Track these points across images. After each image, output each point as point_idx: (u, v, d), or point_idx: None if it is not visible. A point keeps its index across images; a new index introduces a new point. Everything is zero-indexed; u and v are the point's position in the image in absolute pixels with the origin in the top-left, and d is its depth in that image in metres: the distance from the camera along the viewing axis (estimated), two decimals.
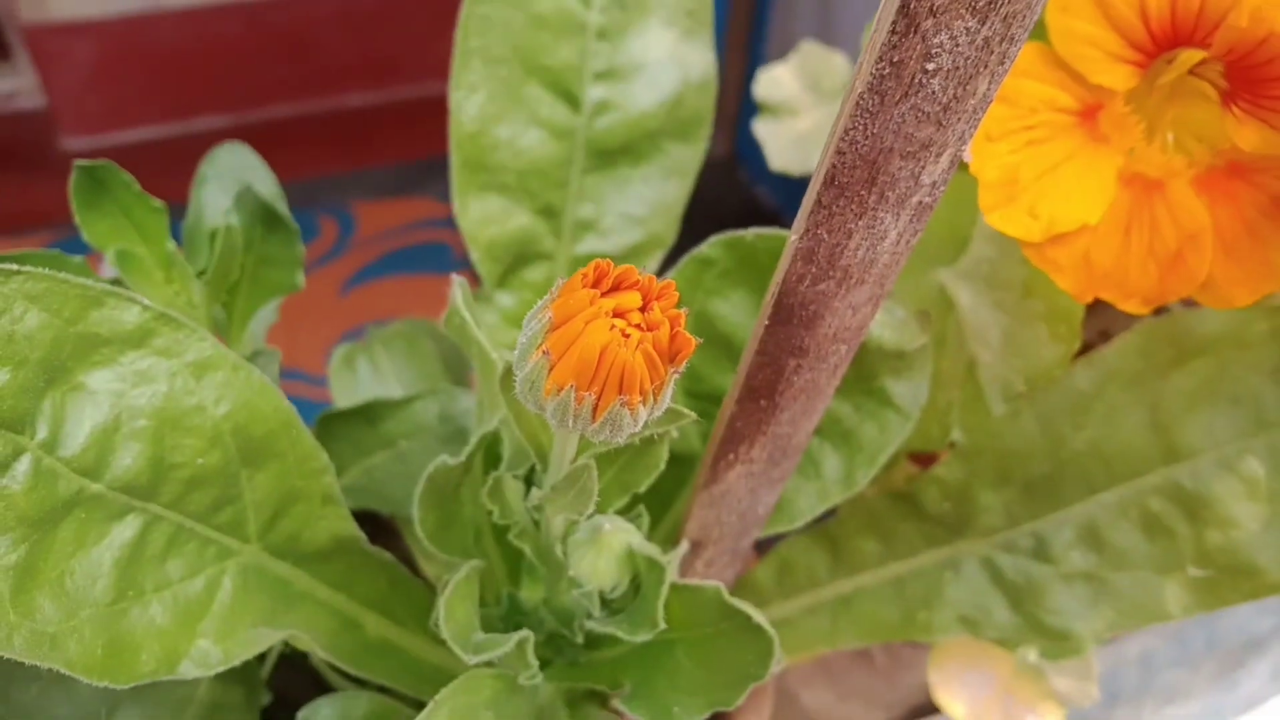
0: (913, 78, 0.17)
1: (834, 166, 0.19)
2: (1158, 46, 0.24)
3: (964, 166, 0.36)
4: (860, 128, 0.18)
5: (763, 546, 0.42)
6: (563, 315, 0.18)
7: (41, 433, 0.25)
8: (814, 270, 0.21)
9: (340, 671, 0.42)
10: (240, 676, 0.39)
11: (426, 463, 0.41)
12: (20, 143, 2.33)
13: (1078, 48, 0.24)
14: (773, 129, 0.51)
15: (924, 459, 0.42)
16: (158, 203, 0.37)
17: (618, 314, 0.18)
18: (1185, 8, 0.23)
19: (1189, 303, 0.32)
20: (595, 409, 0.18)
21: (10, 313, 0.23)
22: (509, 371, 0.22)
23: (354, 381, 0.44)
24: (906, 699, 0.69)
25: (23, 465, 0.25)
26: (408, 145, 2.19)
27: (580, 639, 0.30)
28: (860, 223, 0.20)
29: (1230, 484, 0.36)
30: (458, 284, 0.27)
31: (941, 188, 0.20)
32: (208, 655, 0.29)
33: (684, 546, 0.30)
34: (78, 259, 0.35)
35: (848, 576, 0.41)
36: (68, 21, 2.12)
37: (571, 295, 0.18)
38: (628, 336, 0.18)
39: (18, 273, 0.23)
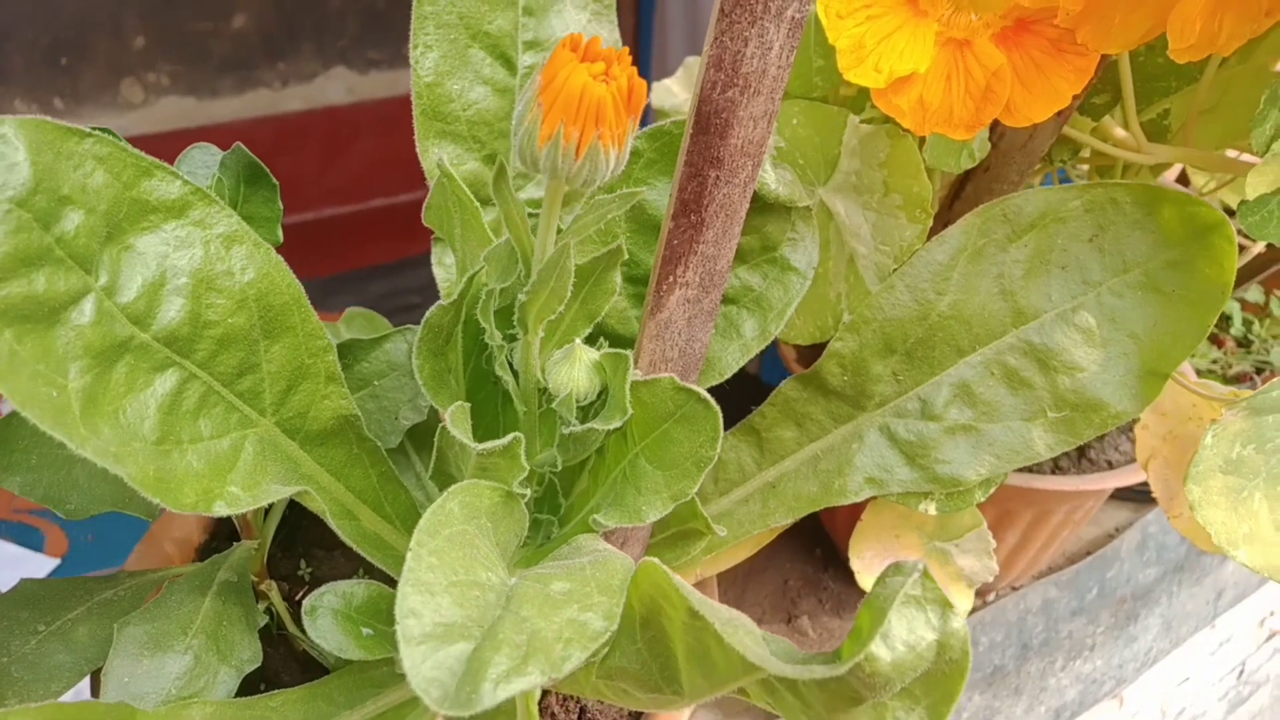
0: None
1: None
2: None
3: (821, 108, 0.45)
4: None
5: None
6: (550, 75, 0.25)
7: (103, 278, 0.30)
8: (722, 78, 0.29)
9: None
10: (238, 597, 0.43)
11: (401, 399, 0.47)
12: None
13: None
14: None
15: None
16: None
17: (591, 74, 0.25)
18: None
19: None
20: (579, 148, 0.25)
21: (83, 167, 0.29)
22: (501, 169, 0.28)
23: None
24: None
25: (88, 304, 0.29)
26: (309, 266, 2.24)
27: (559, 465, 0.35)
28: (753, 31, 0.28)
29: (1071, 335, 0.44)
30: (440, 159, 0.33)
31: (806, 6, 0.28)
32: (237, 498, 0.33)
33: (637, 374, 0.36)
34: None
35: (772, 465, 0.47)
36: None
37: (557, 57, 0.25)
38: (600, 82, 0.25)
39: (89, 135, 0.29)
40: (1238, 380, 0.87)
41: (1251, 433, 0.37)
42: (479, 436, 0.38)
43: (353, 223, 2.07)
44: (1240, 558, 0.36)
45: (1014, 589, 0.78)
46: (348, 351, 0.45)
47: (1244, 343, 0.88)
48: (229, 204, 0.43)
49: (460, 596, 0.28)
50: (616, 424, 0.32)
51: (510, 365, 0.35)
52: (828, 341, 0.44)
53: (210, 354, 0.33)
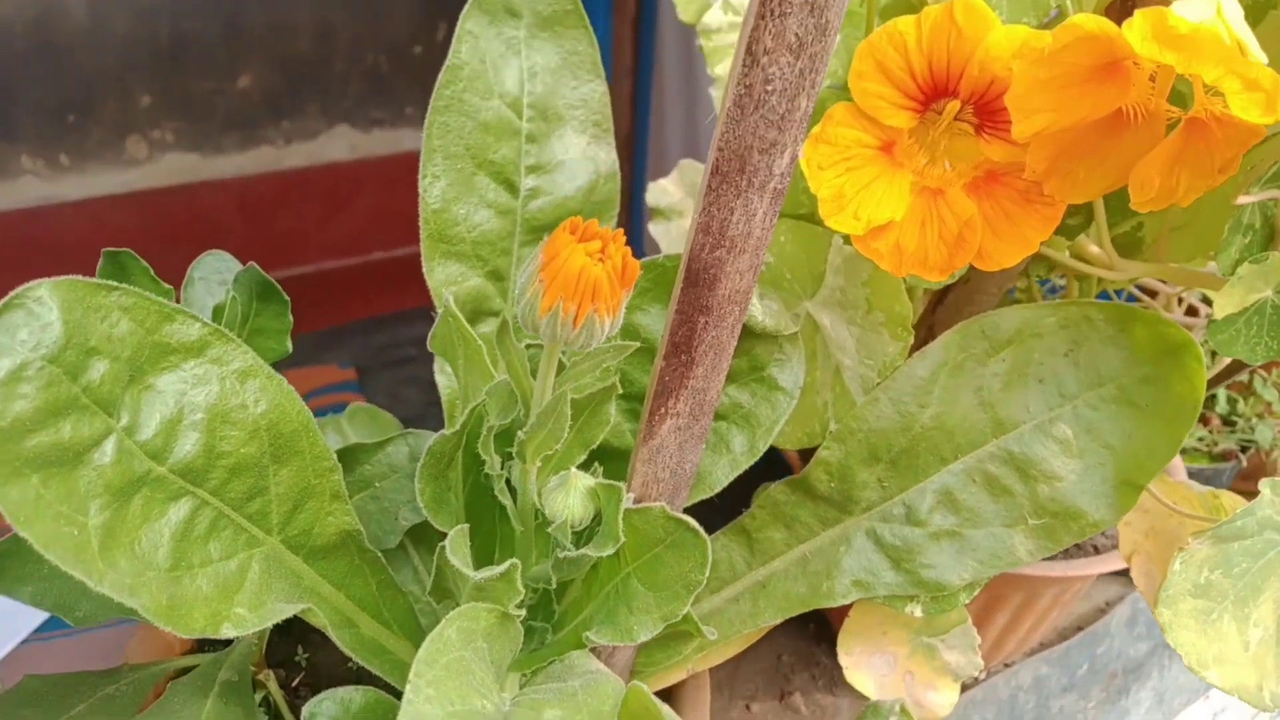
0: (759, 96, 0.28)
1: (716, 161, 0.29)
2: (926, 96, 0.36)
3: (810, 221, 0.48)
4: (730, 132, 0.29)
5: None
6: (550, 254, 0.27)
7: (124, 419, 0.32)
8: (710, 240, 0.31)
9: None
10: (239, 699, 0.44)
11: (400, 500, 0.48)
12: None
13: (872, 101, 0.35)
14: (664, 228, 0.62)
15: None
16: (167, 286, 0.44)
17: (588, 253, 0.27)
18: (938, 66, 0.35)
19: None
20: (576, 319, 0.27)
21: (109, 318, 0.31)
22: (504, 326, 0.30)
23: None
24: None
25: (110, 444, 0.31)
26: (310, 319, 2.26)
27: (554, 585, 0.37)
28: (738, 201, 0.30)
29: (1049, 446, 0.45)
30: (448, 296, 0.35)
31: (788, 176, 0.30)
32: (243, 619, 0.35)
33: (630, 499, 0.37)
34: None
35: (762, 565, 0.48)
36: None
37: (557, 239, 0.27)
38: (596, 263, 0.27)
39: (116, 288, 0.31)
40: (1224, 458, 0.88)
41: (1218, 558, 0.38)
42: (477, 549, 0.40)
43: (353, 276, 2.09)
44: (1211, 679, 0.38)
45: (1006, 665, 0.79)
46: (351, 455, 0.47)
47: (1229, 421, 0.89)
48: (241, 317, 0.45)
49: None
50: (609, 551, 0.34)
51: (509, 484, 0.37)
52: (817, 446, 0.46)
53: (222, 482, 0.35)
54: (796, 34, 0.27)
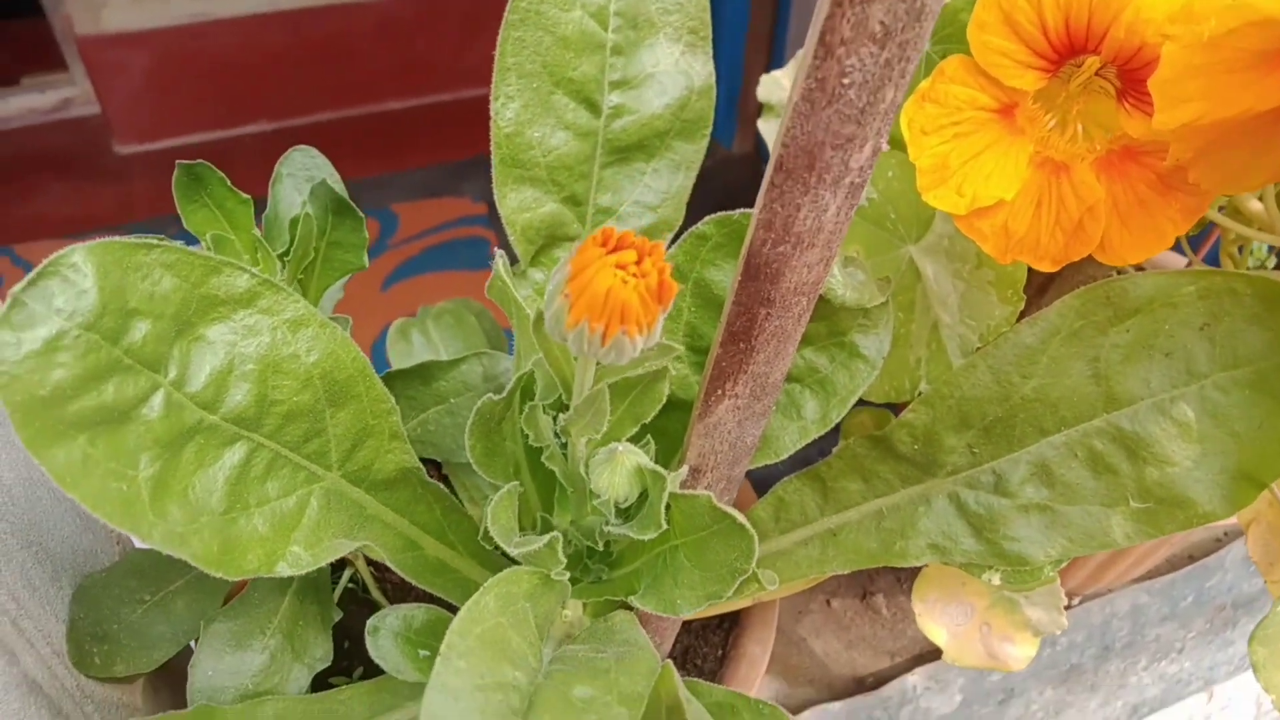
0: (833, 90, 0.24)
1: (781, 156, 0.25)
2: (1059, 55, 0.30)
3: None
4: (798, 127, 0.25)
5: (762, 489, 0.49)
6: (579, 267, 0.24)
7: (172, 373, 0.32)
8: (773, 236, 0.27)
9: (396, 598, 0.49)
10: (315, 596, 0.46)
11: None
12: (77, 149, 2.45)
13: (993, 58, 0.30)
14: (774, 126, 0.57)
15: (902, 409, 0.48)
16: (245, 196, 0.44)
17: (619, 266, 0.24)
18: (1076, 24, 0.29)
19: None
20: (604, 337, 0.25)
21: (151, 276, 0.30)
22: (540, 316, 0.28)
23: (408, 350, 0.51)
24: (909, 647, 0.74)
25: (158, 398, 0.31)
26: (444, 147, 2.27)
27: (601, 546, 0.36)
28: (805, 199, 0.26)
29: (1165, 427, 0.41)
30: (499, 255, 0.33)
31: (868, 170, 0.26)
32: (299, 558, 0.36)
33: (684, 471, 0.36)
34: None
35: (835, 513, 0.47)
36: (120, 32, 2.23)
37: (586, 251, 0.24)
38: (626, 282, 0.24)
39: (157, 245, 0.30)
40: None
41: None
42: (532, 499, 0.39)
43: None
44: None
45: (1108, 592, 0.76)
46: (426, 371, 0.47)
47: None
48: (318, 231, 0.44)
49: (483, 702, 0.30)
50: (651, 535, 0.33)
51: (559, 444, 0.35)
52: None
53: (277, 427, 0.35)
54: (883, 21, 0.22)
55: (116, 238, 0.29)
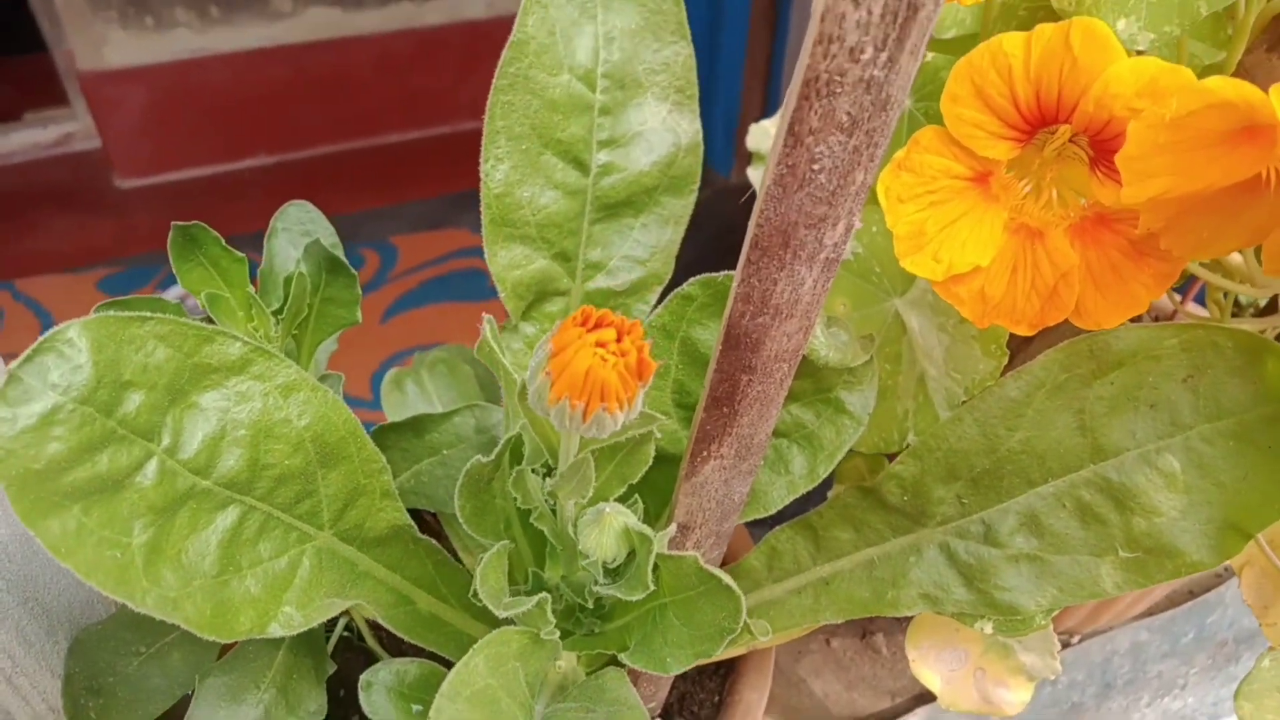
0: (804, 175, 0.24)
1: (756, 235, 0.26)
2: (1031, 125, 0.31)
3: None
4: (771, 209, 0.25)
5: (757, 538, 0.49)
6: (559, 345, 0.25)
7: (166, 441, 0.32)
8: (751, 309, 0.28)
9: (391, 648, 0.49)
10: (309, 649, 0.47)
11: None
12: (78, 183, 2.47)
13: (967, 130, 0.30)
14: (762, 174, 0.58)
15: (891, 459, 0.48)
16: (239, 255, 0.44)
17: (600, 344, 0.25)
18: (1047, 97, 0.30)
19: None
20: (585, 414, 0.25)
21: (145, 348, 0.31)
22: (524, 388, 0.29)
23: (403, 399, 0.52)
24: (909, 687, 0.74)
25: (151, 466, 0.32)
26: (442, 180, 2.29)
27: (590, 604, 0.37)
28: (782, 274, 0.27)
29: (1151, 477, 0.41)
30: (487, 321, 0.34)
31: (843, 245, 0.27)
32: (291, 619, 0.36)
33: (672, 529, 0.36)
34: (173, 301, 0.42)
35: (827, 562, 0.47)
36: (121, 68, 2.25)
37: (566, 331, 0.25)
38: (605, 361, 0.25)
39: (151, 318, 0.31)
40: None
41: None
42: (520, 558, 0.40)
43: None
44: None
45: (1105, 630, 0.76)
46: (419, 424, 0.47)
47: None
48: (312, 287, 0.45)
49: None
50: (638, 596, 0.33)
51: (549, 505, 0.36)
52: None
53: (269, 490, 0.35)
54: (849, 113, 0.23)
55: (111, 313, 0.30)
